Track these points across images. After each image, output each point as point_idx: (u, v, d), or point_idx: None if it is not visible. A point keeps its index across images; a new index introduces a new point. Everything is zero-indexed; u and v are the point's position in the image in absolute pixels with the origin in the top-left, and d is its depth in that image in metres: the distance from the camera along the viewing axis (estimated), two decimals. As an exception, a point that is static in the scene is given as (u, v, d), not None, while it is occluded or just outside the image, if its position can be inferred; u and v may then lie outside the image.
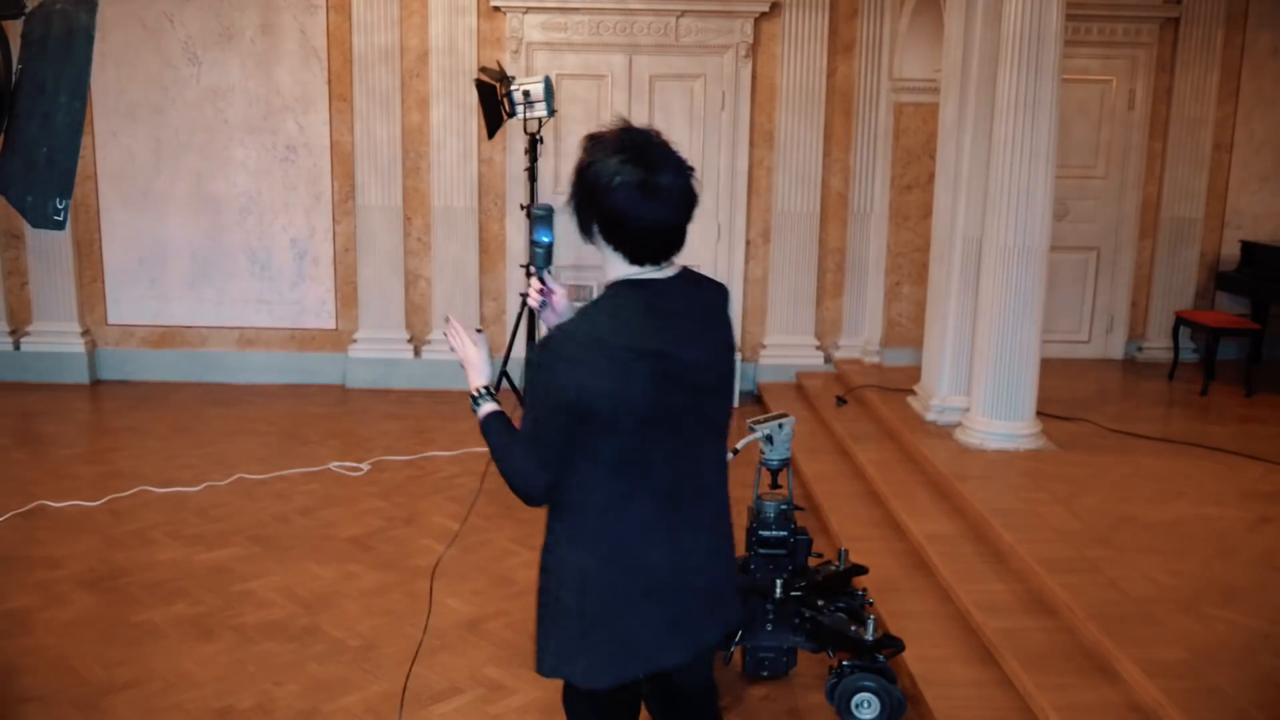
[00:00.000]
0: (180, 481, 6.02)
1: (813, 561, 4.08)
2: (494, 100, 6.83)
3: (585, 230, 2.23)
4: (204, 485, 6.01)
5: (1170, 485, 5.40)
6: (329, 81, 8.03)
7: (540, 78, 6.74)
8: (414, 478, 6.27)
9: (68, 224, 2.75)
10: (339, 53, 7.99)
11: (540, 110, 6.73)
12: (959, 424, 6.13)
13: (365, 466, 6.42)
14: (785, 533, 3.90)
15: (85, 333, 8.28)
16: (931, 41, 7.27)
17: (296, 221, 8.22)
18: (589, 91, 8.05)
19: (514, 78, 6.84)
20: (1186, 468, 5.69)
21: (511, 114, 6.81)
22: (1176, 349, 7.98)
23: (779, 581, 3.83)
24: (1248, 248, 8.13)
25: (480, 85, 6.90)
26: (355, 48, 7.89)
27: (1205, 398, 7.27)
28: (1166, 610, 3.98)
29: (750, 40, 7.99)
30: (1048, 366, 6.22)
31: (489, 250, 8.19)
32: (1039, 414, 6.01)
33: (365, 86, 7.93)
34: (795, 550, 3.93)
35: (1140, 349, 8.46)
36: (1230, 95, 8.19)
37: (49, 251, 8.08)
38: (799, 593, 3.86)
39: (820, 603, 3.89)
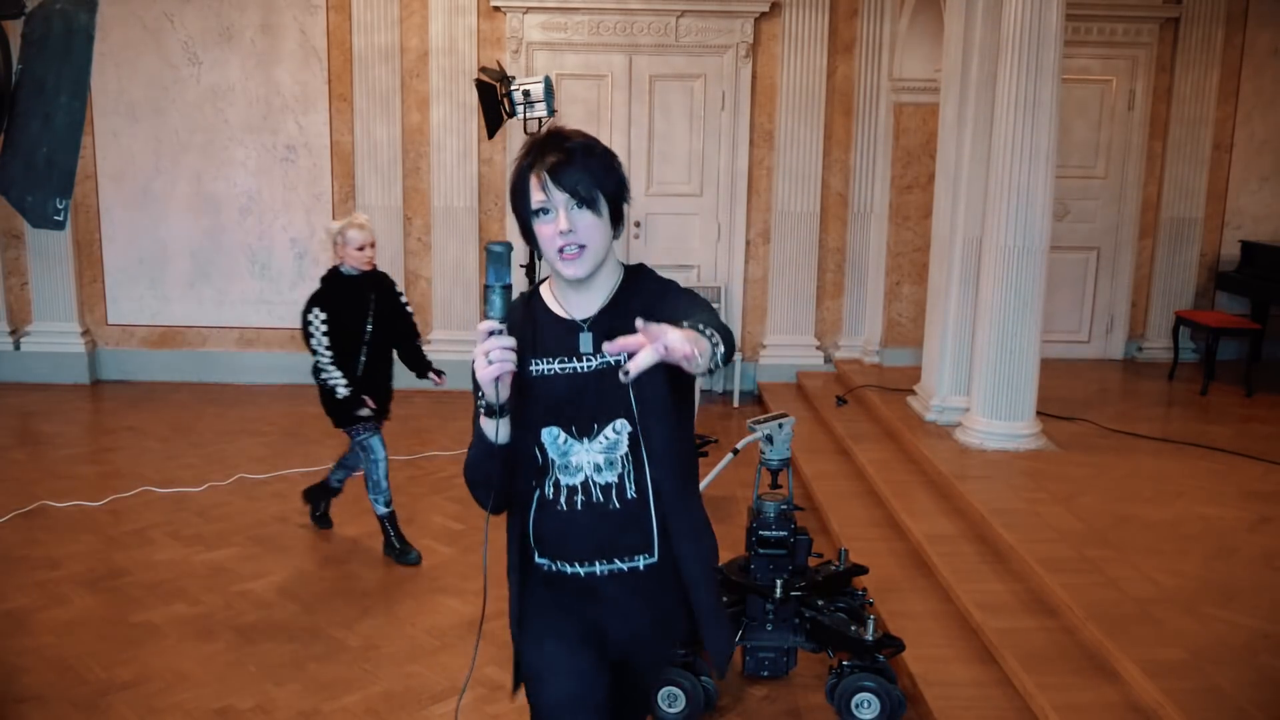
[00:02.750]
0: (180, 481, 6.03)
1: (813, 561, 4.08)
2: (494, 100, 6.82)
3: (620, 217, 2.13)
4: (206, 486, 6.01)
5: (1170, 485, 5.40)
6: (329, 81, 8.03)
7: (540, 78, 6.73)
8: (414, 478, 6.27)
9: (68, 224, 2.75)
10: (339, 53, 7.99)
11: (540, 110, 6.72)
12: (959, 424, 6.13)
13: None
14: (785, 533, 3.90)
15: (85, 333, 8.28)
16: (932, 41, 7.27)
17: (296, 221, 8.22)
18: (589, 91, 8.05)
19: (514, 78, 6.83)
20: (1186, 468, 5.69)
21: (512, 114, 6.80)
22: (1176, 349, 7.99)
23: (779, 581, 3.83)
24: (1248, 248, 8.14)
25: (480, 85, 6.89)
26: (355, 48, 7.90)
27: (1205, 398, 7.27)
28: (1166, 610, 3.97)
29: (750, 40, 7.99)
30: (1047, 366, 6.22)
31: (489, 250, 8.17)
32: (1039, 414, 6.01)
33: (365, 86, 7.93)
34: (795, 550, 3.93)
35: (1140, 349, 8.47)
36: (1230, 95, 8.20)
37: (49, 251, 8.08)
38: (799, 593, 3.86)
39: (820, 603, 3.89)
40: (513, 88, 6.75)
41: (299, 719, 3.72)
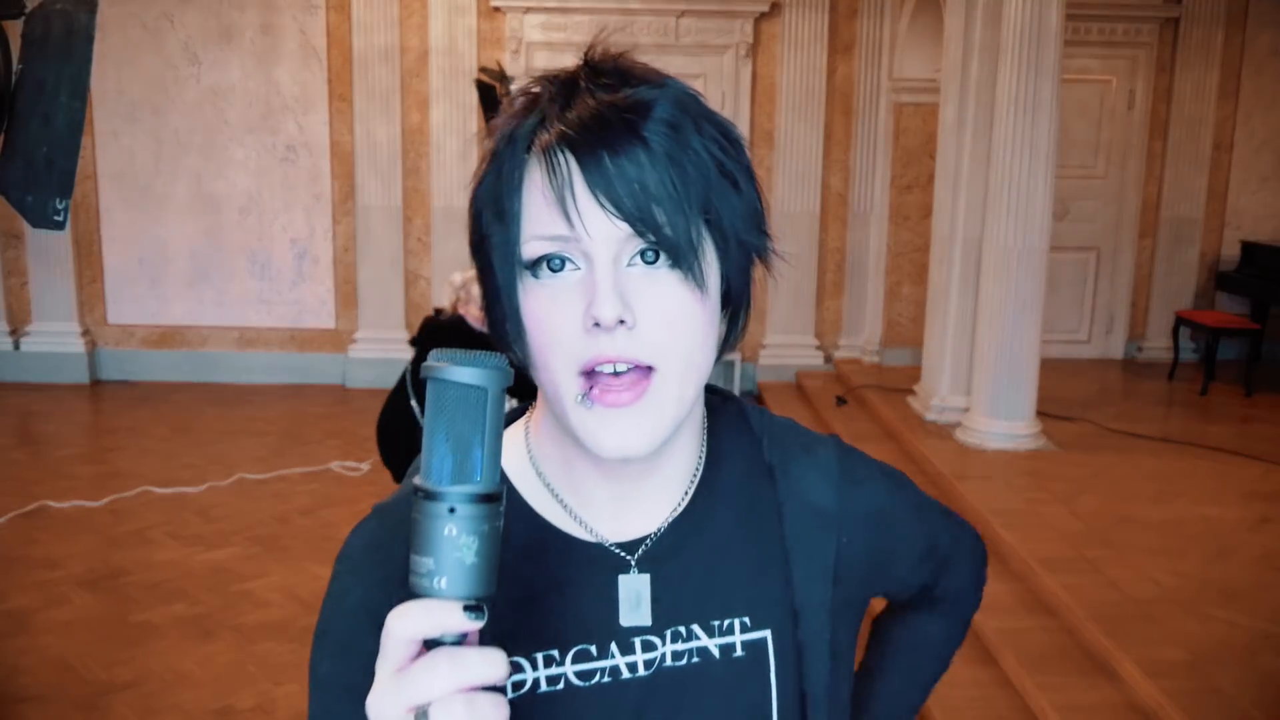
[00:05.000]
0: (180, 481, 6.01)
1: None
2: (494, 100, 6.81)
3: (743, 294, 0.89)
4: (205, 485, 6.00)
5: (1170, 485, 5.39)
6: (329, 81, 8.02)
7: (540, 78, 6.72)
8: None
9: (67, 224, 2.71)
10: (339, 53, 7.98)
11: (540, 110, 6.71)
12: (959, 424, 6.13)
13: (365, 466, 6.41)
14: None
15: (85, 333, 8.27)
16: (931, 41, 7.26)
17: (296, 221, 8.21)
18: (589, 91, 8.03)
19: (514, 78, 6.83)
20: (1186, 468, 5.68)
21: (511, 114, 6.80)
22: (1176, 349, 7.97)
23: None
24: (1248, 248, 8.12)
25: (480, 85, 6.89)
26: (355, 48, 7.89)
27: (1205, 397, 7.26)
28: (1166, 610, 3.97)
29: (750, 40, 7.98)
30: (1047, 366, 6.22)
31: (489, 250, 8.17)
32: (1039, 414, 6.01)
33: (365, 86, 7.92)
34: None
35: (1140, 349, 8.46)
36: (1230, 95, 8.18)
37: (49, 251, 8.06)
38: None
39: None
40: (512, 88, 6.74)
41: (299, 719, 3.71)
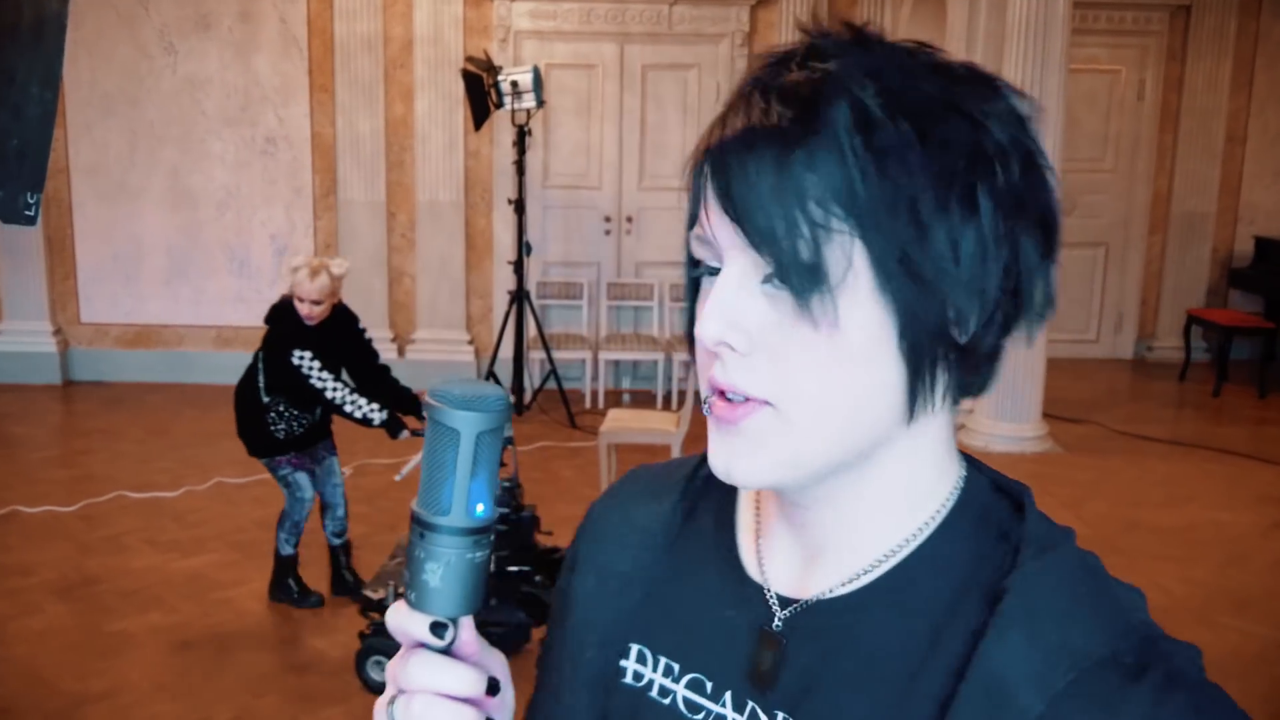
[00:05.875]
0: (156, 486, 5.90)
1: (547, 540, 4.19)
2: (481, 91, 6.73)
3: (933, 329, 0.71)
4: (182, 490, 5.89)
5: (1181, 489, 5.37)
6: (310, 72, 7.88)
7: (529, 68, 6.67)
8: (397, 483, 6.13)
9: (39, 219, 2.75)
10: (320, 42, 7.85)
11: (529, 101, 6.66)
12: (962, 426, 6.10)
13: (347, 471, 6.24)
14: (507, 509, 4.02)
15: (57, 332, 8.12)
16: (935, 30, 7.20)
17: (276, 217, 8.08)
18: (579, 82, 7.92)
19: (501, 67, 6.77)
20: (1197, 471, 5.66)
21: (499, 105, 6.74)
22: (1188, 348, 7.94)
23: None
24: (1262, 244, 8.08)
25: (467, 75, 6.80)
26: (337, 36, 7.76)
27: (1217, 399, 7.25)
28: (1178, 619, 3.94)
29: (746, 29, 7.87)
30: (1054, 366, 6.22)
31: (476, 246, 8.06)
32: (1045, 416, 5.99)
33: (347, 77, 7.79)
34: (519, 528, 4.02)
35: (1150, 348, 8.43)
36: (1244, 86, 8.14)
37: (20, 248, 7.91)
38: (522, 569, 4.01)
39: (539, 579, 4.02)
40: (500, 78, 6.67)
41: (278, 736, 3.65)
